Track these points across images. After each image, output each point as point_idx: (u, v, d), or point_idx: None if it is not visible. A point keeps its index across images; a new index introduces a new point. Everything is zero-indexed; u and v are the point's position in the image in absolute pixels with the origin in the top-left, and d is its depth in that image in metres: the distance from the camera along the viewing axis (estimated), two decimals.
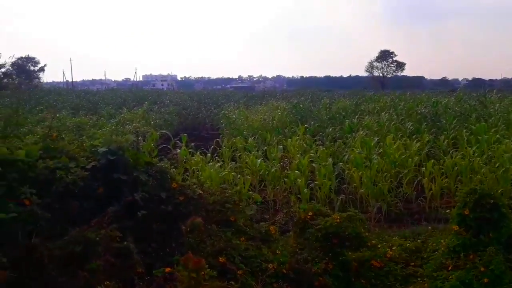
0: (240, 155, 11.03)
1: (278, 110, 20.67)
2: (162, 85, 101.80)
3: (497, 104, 19.14)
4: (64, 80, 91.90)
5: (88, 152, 4.99)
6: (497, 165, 9.04)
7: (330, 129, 14.74)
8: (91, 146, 5.06)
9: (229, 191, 5.35)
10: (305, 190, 8.30)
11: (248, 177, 9.01)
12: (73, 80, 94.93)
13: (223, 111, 22.73)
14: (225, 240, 4.72)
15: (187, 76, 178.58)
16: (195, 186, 5.01)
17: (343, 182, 9.74)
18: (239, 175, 8.72)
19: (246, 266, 4.49)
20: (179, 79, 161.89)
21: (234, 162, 10.59)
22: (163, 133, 13.29)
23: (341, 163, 9.77)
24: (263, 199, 8.84)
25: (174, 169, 5.83)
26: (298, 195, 8.56)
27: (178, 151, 9.87)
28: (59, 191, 4.24)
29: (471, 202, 5.17)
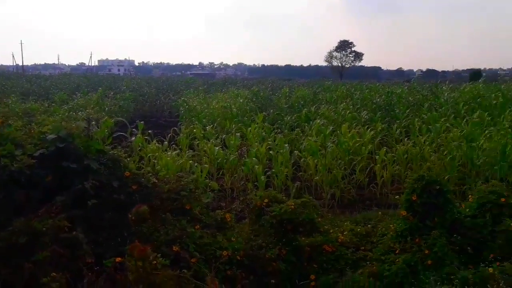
0: (199, 143, 10.95)
1: (239, 98, 20.63)
2: (119, 70, 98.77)
3: (446, 94, 19.98)
4: (14, 64, 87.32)
5: (36, 139, 4.80)
6: (445, 152, 9.48)
7: (289, 118, 14.90)
8: (40, 133, 4.87)
9: (185, 179, 5.30)
10: (262, 177, 8.38)
11: (206, 165, 8.97)
12: (24, 64, 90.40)
13: (182, 98, 22.39)
14: (179, 228, 4.70)
15: (145, 62, 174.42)
16: (149, 174, 4.94)
17: (300, 170, 9.88)
18: (196, 163, 8.66)
19: (201, 254, 4.50)
20: (136, 64, 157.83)
21: (192, 150, 10.50)
22: (119, 121, 12.93)
23: (297, 151, 9.92)
24: (220, 187, 8.86)
25: (128, 157, 5.71)
26: (255, 183, 8.63)
27: (133, 138, 9.66)
28: (3, 179, 4.07)
29: (418, 188, 5.41)
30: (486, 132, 10.58)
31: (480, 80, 24.30)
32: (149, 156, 9.09)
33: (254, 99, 20.79)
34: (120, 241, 4.39)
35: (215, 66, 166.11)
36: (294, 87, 31.56)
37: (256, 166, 8.42)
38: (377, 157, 9.45)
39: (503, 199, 5.29)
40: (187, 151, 9.88)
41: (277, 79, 50.99)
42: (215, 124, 13.77)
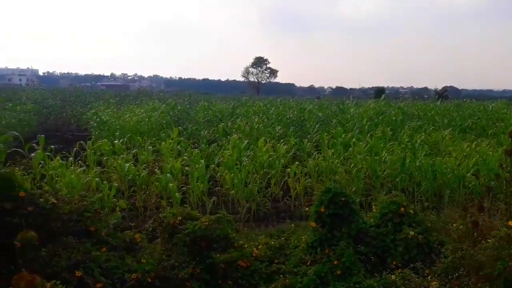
0: (108, 159, 10.40)
1: (155, 111, 20.11)
2: (20, 80, 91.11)
3: (352, 110, 21.36)
4: None
5: None
6: (351, 165, 10.05)
7: (206, 132, 14.82)
8: None
9: (89, 198, 4.96)
10: (177, 194, 8.17)
11: (115, 183, 8.51)
12: None
13: (92, 111, 21.24)
14: (83, 252, 4.37)
15: (50, 72, 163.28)
16: (47, 194, 4.54)
17: (216, 185, 9.84)
18: (104, 181, 8.17)
19: (107, 278, 4.22)
20: (41, 74, 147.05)
21: (100, 167, 9.93)
22: (17, 135, 11.81)
23: (214, 166, 9.87)
24: (132, 205, 8.47)
25: (25, 175, 5.20)
26: (170, 200, 8.38)
27: (33, 154, 8.87)
28: None
29: (326, 200, 5.63)
30: (388, 146, 11.45)
31: (381, 98, 26.34)
32: (51, 174, 8.39)
33: (171, 113, 20.41)
34: (14, 268, 3.97)
35: (129, 78, 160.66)
36: (212, 101, 31.66)
37: (170, 184, 8.18)
38: (289, 170, 9.72)
39: (402, 209, 5.71)
40: (95, 168, 9.31)
41: (195, 93, 50.73)
42: (126, 139, 13.21)
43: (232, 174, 9.04)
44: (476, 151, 10.79)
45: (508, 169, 4.07)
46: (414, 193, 9.36)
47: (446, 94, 53.27)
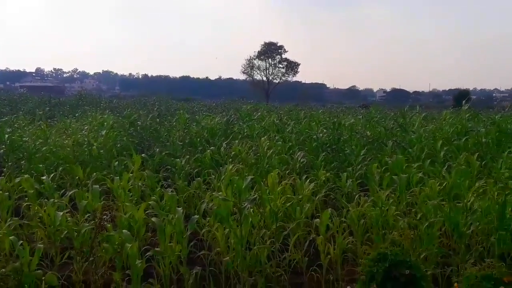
0: (30, 205, 10.36)
1: (104, 129, 20.20)
2: None
3: (417, 125, 21.27)
4: None
5: None
6: (419, 216, 9.91)
7: (185, 161, 14.79)
8: None
9: None
10: (139, 262, 8.06)
11: (41, 244, 8.42)
12: None
13: (5, 129, 21.35)
14: None
15: None
16: None
17: (201, 246, 9.71)
18: (23, 241, 8.10)
19: None
20: None
21: (18, 217, 9.89)
22: None
23: (197, 216, 9.76)
24: (67, 279, 8.38)
25: None
26: (127, 272, 8.28)
27: None
28: None
29: (379, 273, 5.53)
30: (477, 185, 11.30)
31: (465, 106, 26.21)
32: None
33: (129, 131, 20.45)
34: None
35: (65, 76, 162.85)
36: (196, 111, 31.84)
37: (128, 245, 8.08)
38: (318, 222, 9.58)
39: None
40: (8, 220, 9.27)
41: (169, 98, 51.12)
42: (59, 173, 13.20)
43: (227, 230, 8.93)
44: None
45: None
46: None
47: None
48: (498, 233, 9.21)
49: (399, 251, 6.20)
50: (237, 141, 17.88)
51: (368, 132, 20.99)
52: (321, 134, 19.47)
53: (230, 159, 14.98)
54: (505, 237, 9.35)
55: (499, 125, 21.26)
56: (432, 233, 9.27)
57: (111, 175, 12.80)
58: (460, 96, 56.52)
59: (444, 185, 11.12)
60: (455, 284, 6.29)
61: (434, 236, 9.28)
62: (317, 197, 11.50)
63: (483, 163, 14.26)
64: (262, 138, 18.46)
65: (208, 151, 15.87)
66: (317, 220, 9.72)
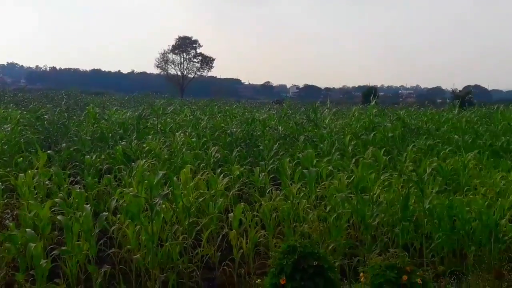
0: None
1: (8, 124, 19.44)
2: None
3: (328, 120, 21.73)
4: None
5: None
6: (328, 208, 10.15)
7: (95, 157, 14.46)
8: None
9: None
10: (43, 262, 7.83)
11: None
12: None
13: None
14: None
15: None
16: None
17: (111, 244, 9.59)
18: None
19: None
20: None
21: None
22: None
23: (106, 213, 9.59)
24: None
25: None
26: (32, 272, 8.04)
27: None
28: None
29: (289, 265, 5.63)
30: (382, 178, 11.69)
31: (373, 100, 27.06)
32: None
33: (35, 126, 19.79)
34: None
35: None
36: (107, 105, 31.22)
37: (32, 244, 7.85)
38: (232, 217, 9.63)
39: (405, 277, 5.80)
40: None
41: (78, 92, 49.91)
42: None
43: (138, 227, 8.83)
44: None
45: None
46: (422, 251, 9.59)
47: (470, 97, 55.91)
48: (402, 224, 9.61)
49: (308, 243, 6.31)
50: (150, 136, 17.68)
51: (280, 127, 21.24)
52: (235, 129, 19.56)
53: (143, 155, 14.80)
54: (409, 227, 9.77)
55: (403, 120, 22.11)
56: (340, 225, 9.53)
57: (14, 172, 12.37)
58: (369, 93, 58.17)
59: (352, 178, 11.45)
60: (361, 274, 6.47)
61: (342, 228, 9.54)
62: (231, 192, 11.58)
63: (388, 157, 14.74)
64: (176, 133, 18.35)
65: (119, 146, 15.59)
66: (231, 214, 9.78)
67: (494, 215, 9.55)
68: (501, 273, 4.44)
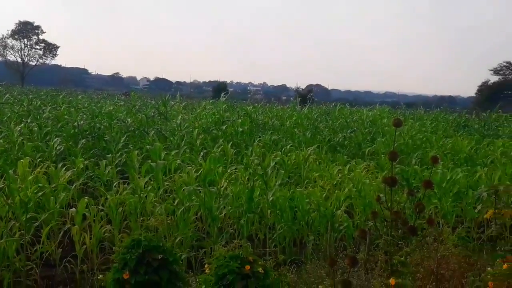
0: None
1: None
2: None
3: (180, 116, 21.71)
4: None
5: None
6: (176, 202, 10.13)
7: None
8: None
9: None
10: None
11: None
12: None
13: None
14: None
15: None
16: None
17: None
18: None
19: None
20: None
21: None
22: None
23: None
24: None
25: None
26: None
27: None
28: None
29: (133, 259, 5.52)
30: (230, 171, 11.90)
31: (223, 96, 27.49)
32: None
33: None
34: None
35: None
36: None
37: None
38: (74, 213, 9.31)
39: (247, 267, 5.90)
40: None
41: None
42: None
43: None
44: (350, 178, 11.97)
45: (388, 204, 4.33)
46: (266, 242, 9.88)
47: (312, 96, 58.66)
48: (247, 216, 9.82)
49: (153, 236, 6.24)
50: None
51: (129, 119, 20.92)
52: (82, 122, 18.92)
53: None
54: (253, 219, 10.02)
55: (251, 116, 22.67)
56: (188, 217, 9.54)
57: None
58: (219, 88, 59.19)
59: (200, 172, 11.54)
60: (206, 265, 6.51)
61: (189, 220, 9.56)
62: (74, 186, 11.16)
63: (236, 151, 15.05)
64: (12, 124, 17.41)
65: None
66: (73, 209, 9.44)
67: (331, 206, 10.10)
68: (334, 261, 4.65)
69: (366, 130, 22.29)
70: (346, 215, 10.21)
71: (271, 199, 10.10)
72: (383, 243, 4.18)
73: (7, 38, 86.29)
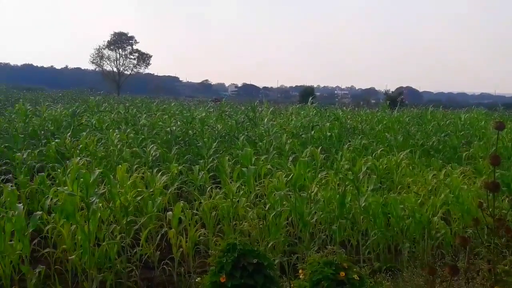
0: None
1: None
2: None
3: (266, 120, 21.82)
4: None
5: None
6: (267, 207, 10.21)
7: (26, 154, 14.09)
8: None
9: None
10: None
11: None
12: None
13: None
14: None
15: None
16: None
17: (46, 245, 9.38)
18: None
19: None
20: None
21: None
22: None
23: (40, 212, 9.36)
24: None
25: None
26: None
27: None
28: None
29: (228, 263, 5.63)
30: (320, 176, 11.86)
31: (311, 101, 27.47)
32: None
33: None
34: None
35: None
36: (41, 101, 30.47)
37: None
38: (170, 215, 9.56)
39: (342, 274, 5.87)
40: None
41: (10, 88, 48.66)
42: None
43: (74, 226, 8.65)
44: (446, 183, 11.62)
45: (490, 210, 4.18)
46: (359, 248, 9.78)
47: (402, 98, 57.49)
48: (339, 221, 9.76)
49: (247, 241, 6.35)
50: (84, 133, 17.37)
51: (219, 125, 21.27)
52: (174, 128, 19.44)
53: (77, 152, 14.52)
54: (345, 225, 9.94)
55: (340, 120, 22.52)
56: (279, 222, 9.58)
57: None
58: (306, 93, 59.13)
59: (290, 176, 11.56)
60: (300, 271, 6.53)
61: (281, 225, 9.59)
62: (170, 190, 11.48)
63: (325, 156, 14.99)
64: (111, 130, 18.08)
65: (53, 143, 15.25)
66: (169, 213, 9.70)
67: (427, 212, 9.85)
68: (434, 269, 4.55)
69: (461, 133, 21.59)
70: (443, 221, 9.95)
71: (363, 204, 9.99)
72: (486, 251, 4.07)
73: (104, 49, 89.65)
